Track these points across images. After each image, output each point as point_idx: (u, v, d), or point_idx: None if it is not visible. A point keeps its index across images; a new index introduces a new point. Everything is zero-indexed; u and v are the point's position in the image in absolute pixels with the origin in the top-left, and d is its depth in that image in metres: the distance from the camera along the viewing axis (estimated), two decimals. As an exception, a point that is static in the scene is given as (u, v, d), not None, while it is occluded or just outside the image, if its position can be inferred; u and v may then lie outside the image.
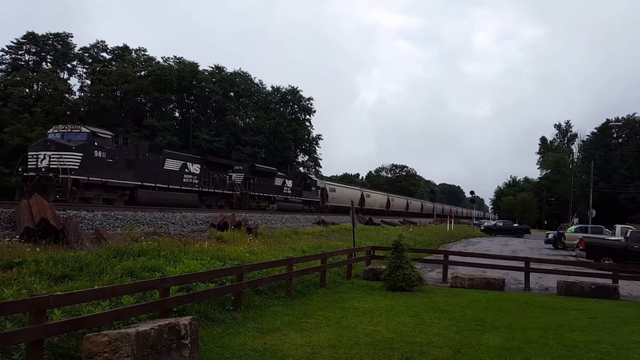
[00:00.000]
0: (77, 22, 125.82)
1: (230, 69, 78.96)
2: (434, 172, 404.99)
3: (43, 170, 20.42)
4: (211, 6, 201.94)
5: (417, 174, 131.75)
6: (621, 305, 11.81)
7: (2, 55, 64.23)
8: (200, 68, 73.51)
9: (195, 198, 28.62)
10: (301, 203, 41.95)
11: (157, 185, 25.37)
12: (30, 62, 66.25)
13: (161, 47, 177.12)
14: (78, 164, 20.96)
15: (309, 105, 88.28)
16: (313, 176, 47.08)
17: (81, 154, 21.18)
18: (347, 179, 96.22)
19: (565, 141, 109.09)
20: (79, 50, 68.97)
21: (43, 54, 66.44)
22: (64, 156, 20.60)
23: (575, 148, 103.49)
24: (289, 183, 41.08)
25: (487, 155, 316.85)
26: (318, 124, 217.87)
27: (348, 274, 14.18)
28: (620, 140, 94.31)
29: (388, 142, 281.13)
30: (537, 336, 8.12)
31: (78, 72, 70.72)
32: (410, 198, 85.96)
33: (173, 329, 5.86)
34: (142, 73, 70.19)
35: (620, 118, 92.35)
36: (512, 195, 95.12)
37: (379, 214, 58.47)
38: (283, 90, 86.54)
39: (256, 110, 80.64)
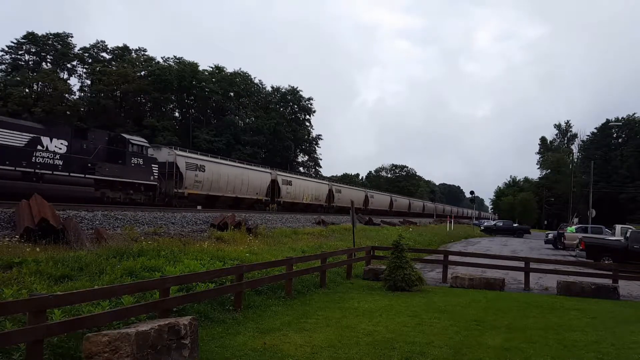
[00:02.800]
0: (77, 22, 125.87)
1: (230, 69, 79.04)
2: (434, 172, 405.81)
3: None
4: (211, 6, 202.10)
5: (417, 174, 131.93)
6: (621, 305, 11.81)
7: (2, 55, 64.27)
8: (200, 68, 73.57)
9: None
10: (93, 185, 21.69)
11: None
12: (30, 62, 66.25)
13: (161, 47, 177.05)
14: None
15: (309, 105, 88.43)
16: (140, 140, 26.12)
17: None
18: (347, 179, 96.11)
19: (565, 141, 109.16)
20: (79, 50, 69.00)
21: (43, 54, 66.43)
22: None
23: (575, 148, 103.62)
24: (57, 145, 20.28)
25: (487, 155, 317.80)
26: (318, 124, 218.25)
27: (348, 274, 14.18)
28: (620, 140, 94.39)
29: (388, 142, 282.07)
30: (537, 336, 8.12)
31: (78, 72, 70.76)
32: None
33: (173, 329, 5.86)
34: (142, 73, 70.18)
35: (620, 118, 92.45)
36: (512, 195, 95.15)
37: (306, 210, 42.37)
38: (283, 90, 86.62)
39: (256, 110, 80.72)
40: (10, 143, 18.54)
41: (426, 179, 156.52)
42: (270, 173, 39.38)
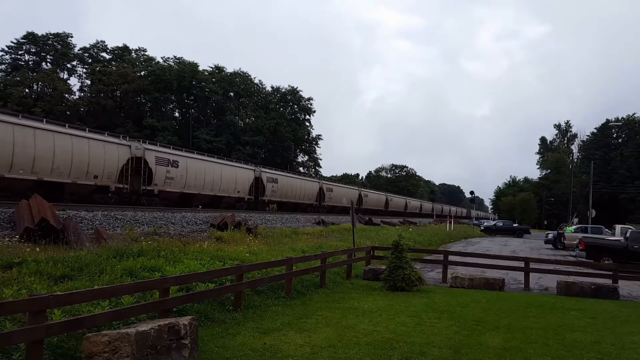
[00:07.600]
0: (78, 21, 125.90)
1: (230, 69, 79.08)
2: (434, 172, 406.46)
3: None
4: (211, 6, 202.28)
5: (417, 174, 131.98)
6: (621, 305, 11.80)
7: (2, 55, 64.30)
8: (200, 68, 73.59)
9: None
10: None
11: None
12: (30, 62, 66.27)
13: (161, 47, 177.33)
14: None
15: (309, 105, 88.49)
16: None
17: None
18: (347, 179, 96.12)
19: (565, 141, 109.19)
20: (78, 50, 69.05)
21: (43, 54, 66.46)
22: None
23: (575, 148, 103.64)
24: None
25: (487, 155, 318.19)
26: (319, 124, 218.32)
27: (348, 274, 14.18)
28: (620, 140, 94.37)
29: (389, 141, 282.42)
30: (537, 336, 8.12)
31: (78, 72, 70.82)
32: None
33: (173, 329, 5.86)
34: (142, 73, 70.21)
35: (620, 118, 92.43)
36: (512, 195, 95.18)
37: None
38: (283, 90, 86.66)
39: (256, 110, 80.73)
40: None
41: (426, 179, 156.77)
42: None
